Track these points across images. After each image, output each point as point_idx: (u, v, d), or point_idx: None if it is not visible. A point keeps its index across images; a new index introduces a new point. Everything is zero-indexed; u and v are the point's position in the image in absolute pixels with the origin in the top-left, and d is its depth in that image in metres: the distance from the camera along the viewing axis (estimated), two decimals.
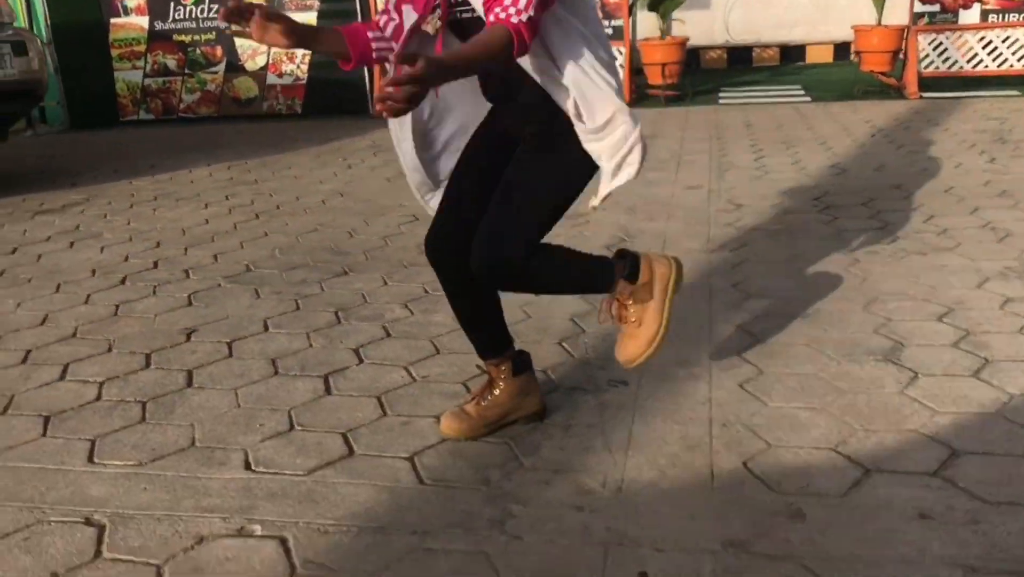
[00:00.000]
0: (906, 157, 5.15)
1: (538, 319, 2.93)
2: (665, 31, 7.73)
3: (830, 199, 4.30)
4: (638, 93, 7.66)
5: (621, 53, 7.17)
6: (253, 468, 2.08)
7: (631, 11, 7.39)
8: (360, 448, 2.15)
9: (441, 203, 2.13)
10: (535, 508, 1.88)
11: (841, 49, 9.34)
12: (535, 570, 1.68)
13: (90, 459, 2.15)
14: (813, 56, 9.44)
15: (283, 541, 1.79)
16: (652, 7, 7.56)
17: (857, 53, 7.78)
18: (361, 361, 2.67)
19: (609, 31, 7.30)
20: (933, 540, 1.71)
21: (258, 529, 1.84)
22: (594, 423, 2.23)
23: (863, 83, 7.65)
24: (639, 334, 2.09)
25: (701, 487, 1.93)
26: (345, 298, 3.22)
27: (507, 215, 1.94)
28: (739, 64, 9.52)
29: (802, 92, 7.75)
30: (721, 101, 7.62)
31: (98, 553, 1.78)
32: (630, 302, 2.10)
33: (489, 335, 2.22)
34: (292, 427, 2.27)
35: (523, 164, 1.99)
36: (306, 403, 2.41)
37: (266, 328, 2.96)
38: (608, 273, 2.11)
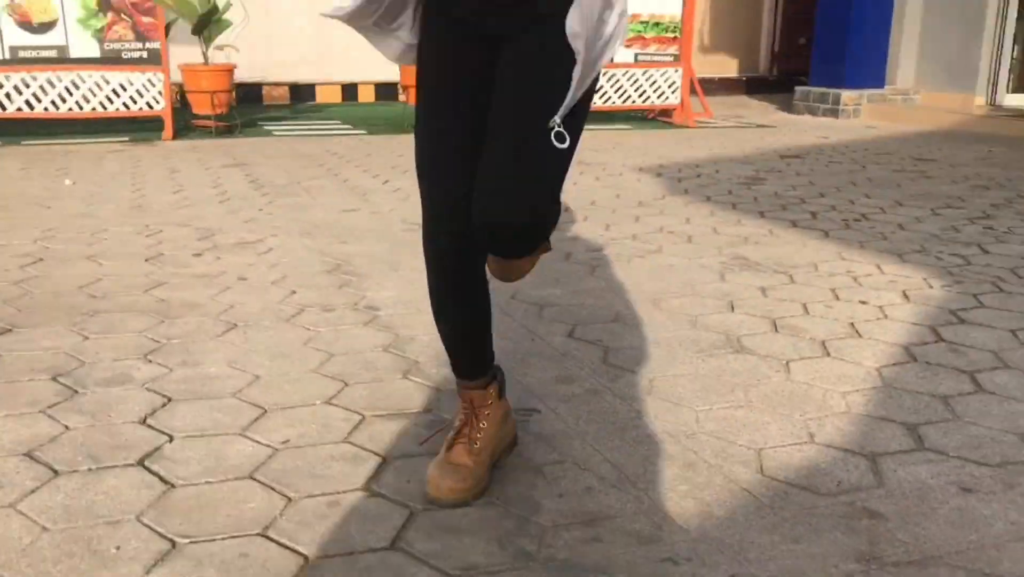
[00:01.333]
0: None
1: (346, 361, 2.37)
2: (209, 57, 7.03)
3: None
4: (183, 125, 6.85)
5: (160, 80, 6.38)
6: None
7: (167, 32, 6.59)
8: (305, 547, 1.48)
9: (437, 159, 1.56)
10: (627, 573, 1.45)
11: (384, 88, 9.34)
12: None
13: None
14: (324, 96, 9.31)
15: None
16: (196, 30, 6.83)
17: (405, 88, 7.87)
18: (171, 439, 1.88)
19: (144, 54, 6.46)
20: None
21: None
22: (560, 460, 1.83)
23: (410, 117, 7.76)
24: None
25: (755, 508, 1.67)
26: (45, 360, 2.28)
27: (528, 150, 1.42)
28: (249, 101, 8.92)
29: (350, 126, 7.62)
30: (276, 133, 7.17)
31: None
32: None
33: (484, 347, 1.75)
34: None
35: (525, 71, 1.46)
36: (152, 503, 1.62)
37: None
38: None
